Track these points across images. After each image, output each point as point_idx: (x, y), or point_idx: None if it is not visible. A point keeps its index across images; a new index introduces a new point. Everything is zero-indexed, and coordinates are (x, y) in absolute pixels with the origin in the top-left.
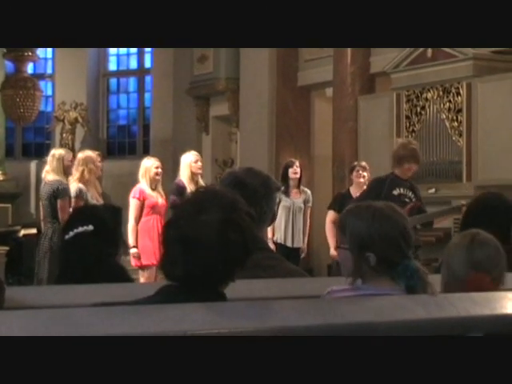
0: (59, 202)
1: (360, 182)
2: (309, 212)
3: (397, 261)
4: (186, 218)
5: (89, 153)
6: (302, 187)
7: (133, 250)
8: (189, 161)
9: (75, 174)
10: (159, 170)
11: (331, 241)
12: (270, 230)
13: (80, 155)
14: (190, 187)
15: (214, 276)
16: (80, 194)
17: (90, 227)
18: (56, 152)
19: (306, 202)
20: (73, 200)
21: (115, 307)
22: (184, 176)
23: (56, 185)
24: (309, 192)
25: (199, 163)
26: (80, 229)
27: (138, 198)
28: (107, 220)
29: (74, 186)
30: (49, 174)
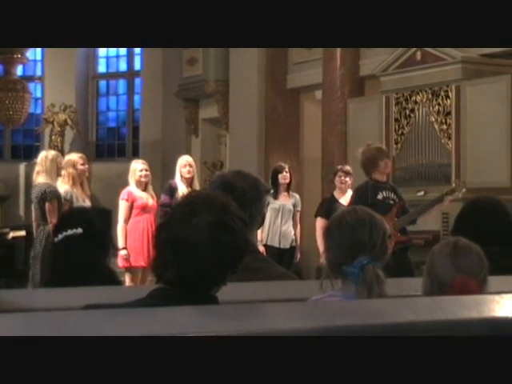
0: (47, 205)
1: (342, 187)
2: (298, 216)
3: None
4: (177, 221)
5: (71, 156)
6: (291, 192)
7: (122, 252)
8: (179, 164)
9: (59, 177)
10: (143, 173)
11: (322, 248)
12: (259, 232)
13: (65, 158)
14: (182, 189)
15: (205, 279)
16: (66, 196)
17: (80, 230)
18: (49, 153)
19: (295, 205)
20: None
21: (106, 310)
22: (177, 178)
23: (44, 187)
24: (297, 196)
25: (187, 168)
26: (69, 232)
27: (127, 200)
28: (97, 223)
29: (62, 187)
30: (40, 176)
